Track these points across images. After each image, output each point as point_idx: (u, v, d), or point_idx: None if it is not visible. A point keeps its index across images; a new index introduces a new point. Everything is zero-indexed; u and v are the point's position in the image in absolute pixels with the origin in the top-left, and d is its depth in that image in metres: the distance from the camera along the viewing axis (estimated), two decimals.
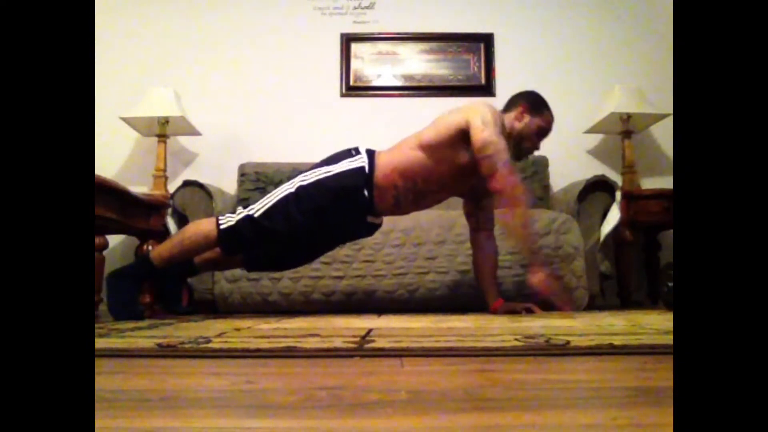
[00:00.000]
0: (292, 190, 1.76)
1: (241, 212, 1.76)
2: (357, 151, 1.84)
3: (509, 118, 1.89)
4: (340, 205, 1.79)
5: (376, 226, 1.97)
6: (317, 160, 2.86)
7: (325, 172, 1.77)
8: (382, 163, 1.80)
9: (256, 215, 1.74)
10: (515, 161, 2.08)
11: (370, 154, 1.84)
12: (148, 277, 1.96)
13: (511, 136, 1.86)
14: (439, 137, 1.78)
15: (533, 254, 1.82)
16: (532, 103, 1.91)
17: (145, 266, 1.83)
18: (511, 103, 1.94)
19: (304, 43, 3.19)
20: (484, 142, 1.71)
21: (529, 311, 1.80)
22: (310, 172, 1.80)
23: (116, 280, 1.79)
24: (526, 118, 1.89)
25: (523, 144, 1.90)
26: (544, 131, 1.94)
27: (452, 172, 1.80)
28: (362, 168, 1.77)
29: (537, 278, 1.75)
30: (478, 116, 1.73)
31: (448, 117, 1.81)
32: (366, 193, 1.78)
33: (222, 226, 1.74)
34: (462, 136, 1.76)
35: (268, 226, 1.75)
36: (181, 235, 1.82)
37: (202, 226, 1.79)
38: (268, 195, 1.80)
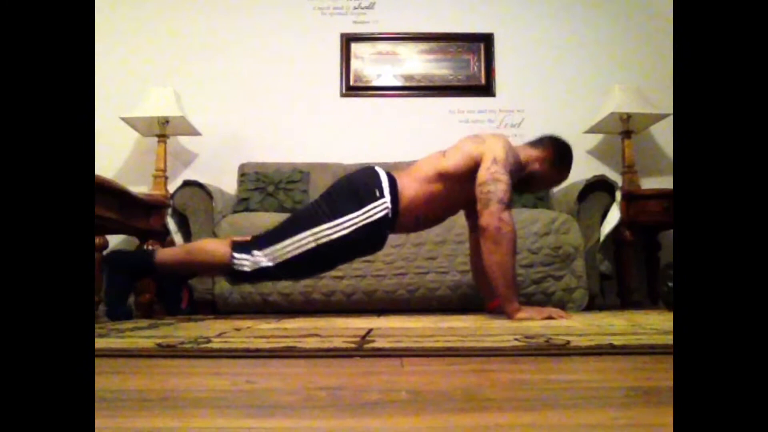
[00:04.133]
0: (314, 245, 1.72)
1: (257, 258, 1.73)
2: (380, 187, 1.78)
3: (532, 153, 1.89)
4: (362, 249, 1.85)
5: None
6: (317, 160, 2.92)
7: (348, 226, 1.73)
8: (407, 200, 1.81)
9: (272, 265, 1.73)
10: (517, 193, 2.09)
11: (392, 186, 1.80)
12: (145, 276, 1.98)
13: (525, 170, 1.87)
14: (458, 168, 1.79)
15: (508, 295, 1.68)
16: (559, 155, 1.90)
17: (146, 265, 1.84)
18: (541, 143, 1.93)
19: (304, 43, 3.19)
20: (488, 177, 1.72)
21: (551, 319, 1.63)
22: (332, 224, 1.73)
23: (113, 273, 1.81)
24: (546, 165, 1.89)
25: (531, 183, 1.92)
26: (554, 183, 1.98)
27: (469, 198, 1.81)
28: (386, 215, 1.76)
29: (521, 315, 1.64)
30: (492, 153, 1.75)
31: (468, 146, 1.82)
32: (388, 232, 1.82)
33: (235, 267, 1.74)
34: (476, 168, 1.77)
35: (284, 275, 1.84)
36: (190, 256, 1.81)
37: (215, 257, 1.76)
38: (285, 238, 1.73)
